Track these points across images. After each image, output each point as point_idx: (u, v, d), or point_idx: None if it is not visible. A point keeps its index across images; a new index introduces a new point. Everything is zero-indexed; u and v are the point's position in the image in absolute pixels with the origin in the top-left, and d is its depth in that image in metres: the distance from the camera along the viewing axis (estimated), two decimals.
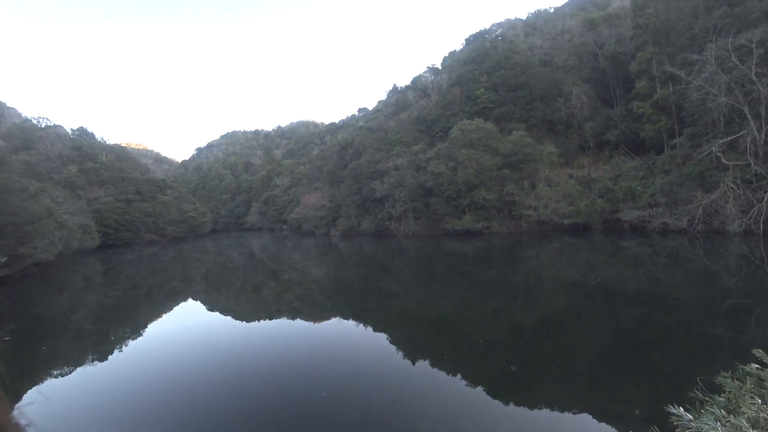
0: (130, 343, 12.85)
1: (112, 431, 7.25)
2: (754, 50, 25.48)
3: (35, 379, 10.05)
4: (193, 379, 9.39)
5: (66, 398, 8.90)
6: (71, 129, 79.36)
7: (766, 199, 24.22)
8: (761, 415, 3.07)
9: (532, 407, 7.29)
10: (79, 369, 10.68)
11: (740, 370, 4.03)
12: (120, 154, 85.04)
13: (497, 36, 71.86)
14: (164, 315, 16.95)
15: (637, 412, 6.67)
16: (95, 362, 11.15)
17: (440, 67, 75.96)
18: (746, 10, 28.75)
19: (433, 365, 9.38)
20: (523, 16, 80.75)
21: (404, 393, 8.11)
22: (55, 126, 78.94)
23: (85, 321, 16.47)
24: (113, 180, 68.22)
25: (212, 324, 14.92)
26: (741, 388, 3.67)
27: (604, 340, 10.41)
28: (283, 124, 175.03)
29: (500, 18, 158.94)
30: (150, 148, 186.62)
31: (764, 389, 3.53)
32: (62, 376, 10.29)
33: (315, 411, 7.38)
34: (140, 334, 13.78)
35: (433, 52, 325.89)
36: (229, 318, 15.84)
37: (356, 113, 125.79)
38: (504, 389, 8.07)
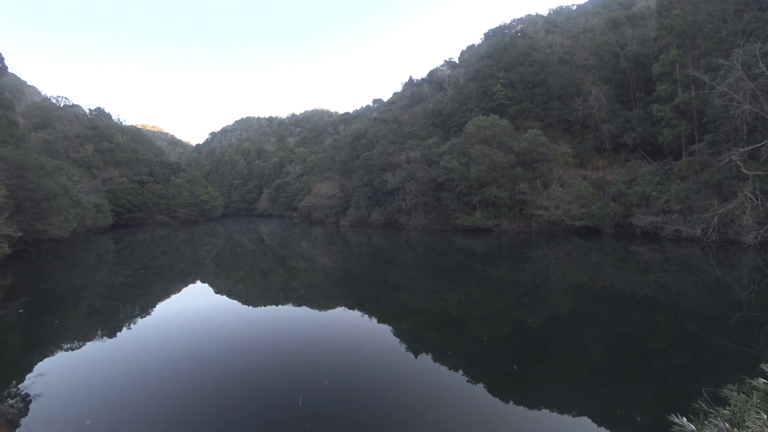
0: (139, 321, 13.11)
1: (120, 405, 7.44)
2: None
3: (46, 351, 10.34)
4: (198, 360, 9.56)
5: (75, 371, 9.14)
6: (89, 109, 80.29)
7: None
8: (766, 431, 3.03)
9: (531, 407, 7.30)
10: (88, 344, 10.94)
11: (747, 384, 3.97)
12: (135, 135, 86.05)
13: (517, 32, 70.76)
14: (173, 296, 17.24)
15: (639, 419, 6.64)
16: (104, 338, 11.41)
17: (457, 61, 75.15)
18: None
19: (435, 359, 9.42)
20: (545, 13, 79.42)
21: (405, 385, 8.16)
22: (74, 105, 80.00)
23: (96, 297, 16.83)
24: (128, 161, 69.16)
25: (219, 306, 15.14)
26: (747, 402, 3.62)
27: (608, 344, 10.34)
28: (297, 112, 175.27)
29: (521, 13, 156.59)
30: (165, 130, 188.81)
31: None
32: (72, 350, 10.55)
33: (317, 398, 7.48)
34: (149, 313, 14.05)
35: (451, 46, 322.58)
36: (235, 302, 16.05)
37: (371, 104, 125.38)
38: (505, 388, 8.08)
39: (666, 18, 36.33)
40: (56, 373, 8.97)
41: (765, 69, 25.33)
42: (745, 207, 25.49)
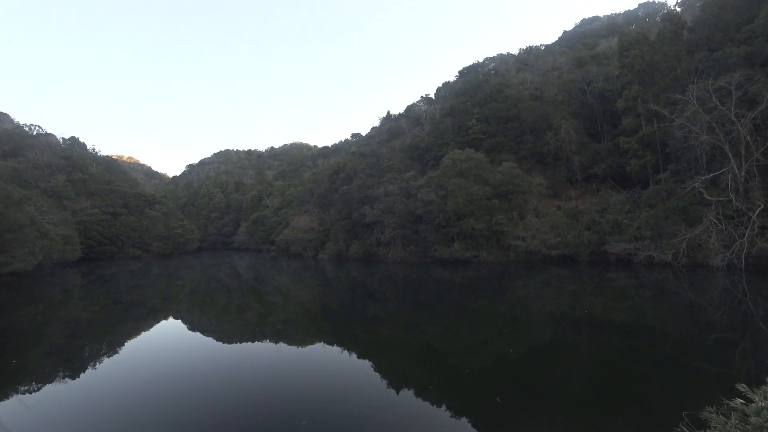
0: (105, 360, 12.37)
1: None
2: (733, 92, 26.64)
3: (1, 395, 9.56)
4: (169, 401, 9.02)
5: (33, 415, 8.45)
6: (63, 138, 78.83)
7: (747, 234, 24.77)
8: None
9: None
10: (49, 385, 10.21)
11: (725, 405, 4.00)
12: (110, 166, 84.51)
13: (490, 69, 74.09)
14: (142, 333, 16.42)
15: None
16: (66, 379, 10.68)
17: (434, 97, 77.69)
18: (725, 55, 30.20)
19: (417, 394, 9.16)
20: (515, 52, 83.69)
21: (388, 423, 7.87)
22: (47, 134, 78.33)
23: (60, 335, 15.87)
24: (101, 192, 67.38)
25: (191, 344, 14.47)
26: (726, 423, 3.64)
27: (589, 372, 10.32)
28: (276, 146, 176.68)
29: (493, 53, 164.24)
30: (141, 162, 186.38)
31: (749, 425, 3.50)
32: (31, 392, 9.81)
33: None
34: (116, 352, 13.29)
35: (428, 82, 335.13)
36: (209, 339, 15.40)
37: (349, 138, 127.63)
38: (489, 421, 7.89)
39: (626, 57, 38.91)
40: (11, 419, 8.27)
41: (718, 103, 27.15)
42: (711, 231, 26.59)
